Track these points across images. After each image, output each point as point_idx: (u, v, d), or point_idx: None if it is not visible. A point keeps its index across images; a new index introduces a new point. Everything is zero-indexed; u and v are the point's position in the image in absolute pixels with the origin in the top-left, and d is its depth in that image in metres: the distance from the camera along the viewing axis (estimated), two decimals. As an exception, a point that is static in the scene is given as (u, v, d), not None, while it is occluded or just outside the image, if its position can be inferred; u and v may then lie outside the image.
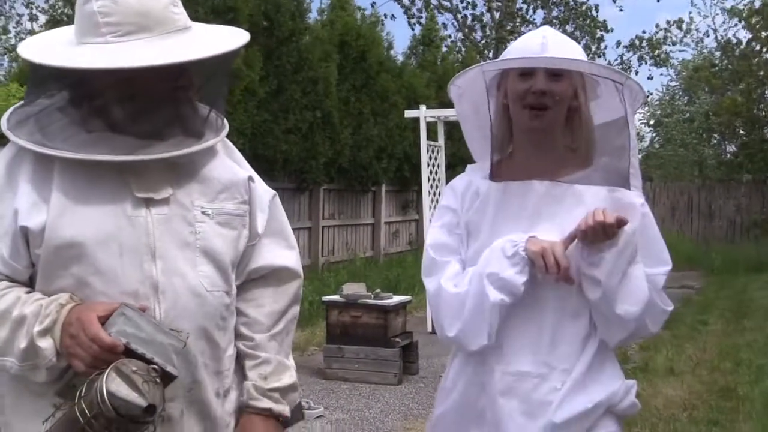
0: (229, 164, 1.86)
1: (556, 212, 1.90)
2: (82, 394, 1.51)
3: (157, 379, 1.55)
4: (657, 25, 22.10)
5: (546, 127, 1.91)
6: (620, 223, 1.78)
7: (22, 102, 1.75)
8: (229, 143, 1.92)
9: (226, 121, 1.85)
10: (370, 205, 14.07)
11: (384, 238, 14.32)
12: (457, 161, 13.89)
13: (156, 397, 1.53)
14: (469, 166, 2.09)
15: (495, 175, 1.95)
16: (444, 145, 9.16)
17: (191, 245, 1.72)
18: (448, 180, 8.77)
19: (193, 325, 1.70)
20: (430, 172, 8.85)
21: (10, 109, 1.75)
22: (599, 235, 1.79)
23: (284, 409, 1.84)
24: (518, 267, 1.85)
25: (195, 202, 1.75)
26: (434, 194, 8.89)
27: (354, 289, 6.78)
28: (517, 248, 1.86)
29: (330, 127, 11.53)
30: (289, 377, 1.87)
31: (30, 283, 1.70)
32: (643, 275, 1.86)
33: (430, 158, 8.86)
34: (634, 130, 1.90)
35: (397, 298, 6.80)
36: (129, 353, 1.56)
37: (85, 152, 1.63)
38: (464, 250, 1.98)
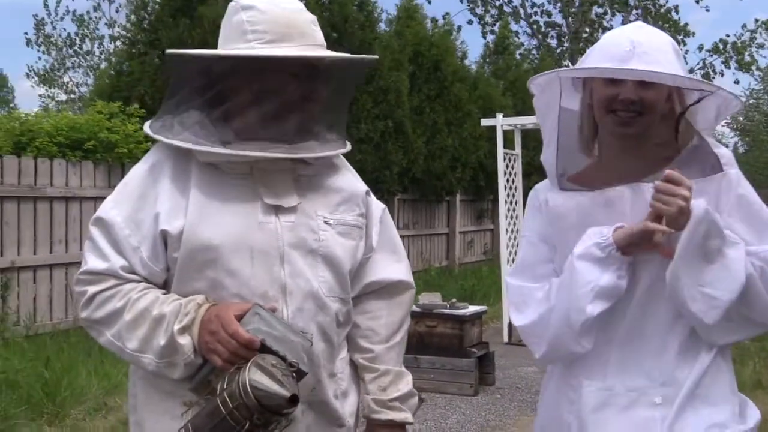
0: (349, 177, 1.96)
1: (645, 215, 1.82)
2: (224, 387, 1.59)
3: (294, 374, 1.63)
4: (744, 26, 21.27)
5: (637, 133, 1.85)
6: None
7: (162, 110, 1.84)
8: (345, 160, 2.00)
9: (347, 141, 1.94)
10: (445, 214, 14.01)
11: (459, 248, 14.23)
12: (533, 170, 13.75)
13: (297, 389, 1.60)
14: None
15: (566, 183, 1.92)
16: (520, 154, 9.06)
17: (314, 252, 1.82)
18: (524, 189, 8.67)
19: (315, 327, 1.79)
20: (507, 181, 8.77)
21: (152, 119, 1.85)
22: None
23: (406, 416, 1.92)
24: (614, 267, 1.78)
25: (318, 211, 1.84)
26: (511, 203, 8.81)
27: (430, 298, 6.74)
28: (610, 249, 1.79)
29: (403, 136, 11.53)
30: (405, 384, 1.95)
31: (163, 287, 1.79)
32: (739, 258, 1.75)
33: (507, 167, 8.78)
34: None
35: (473, 308, 6.75)
36: (264, 350, 1.64)
37: (236, 149, 1.74)
38: (556, 256, 1.93)
